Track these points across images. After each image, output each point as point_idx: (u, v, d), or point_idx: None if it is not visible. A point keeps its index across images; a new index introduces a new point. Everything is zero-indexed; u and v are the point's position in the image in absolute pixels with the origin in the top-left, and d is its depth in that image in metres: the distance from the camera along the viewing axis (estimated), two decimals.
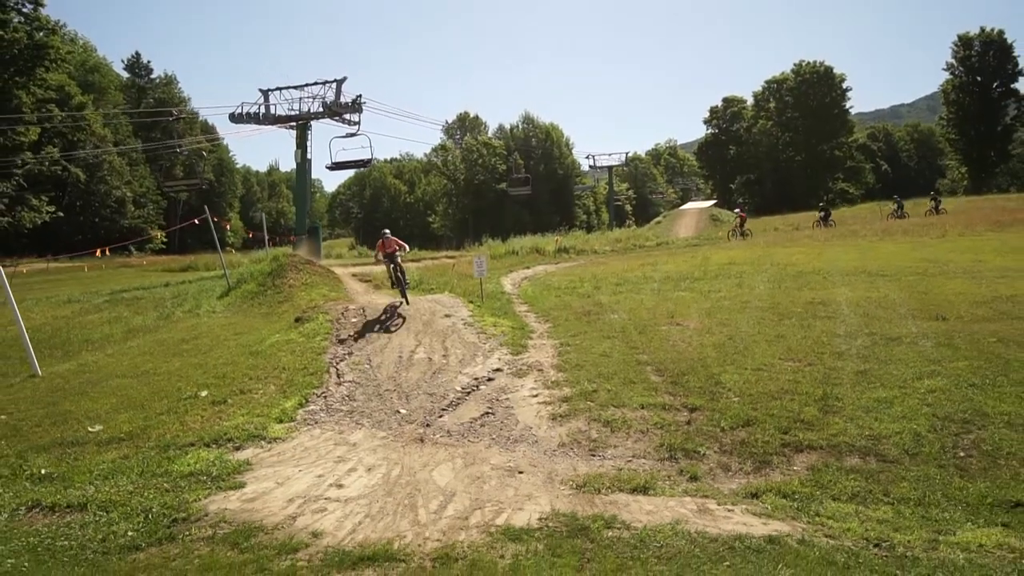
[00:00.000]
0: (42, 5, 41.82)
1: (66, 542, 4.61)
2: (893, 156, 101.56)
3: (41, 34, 41.94)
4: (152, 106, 68.61)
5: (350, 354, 10.88)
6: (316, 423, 8.10)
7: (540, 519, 5.00)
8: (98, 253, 25.68)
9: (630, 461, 6.62)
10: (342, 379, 9.74)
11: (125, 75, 72.35)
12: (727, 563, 4.08)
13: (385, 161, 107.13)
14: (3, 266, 40.08)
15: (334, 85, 28.01)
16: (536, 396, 8.68)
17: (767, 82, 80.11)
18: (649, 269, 20.28)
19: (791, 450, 6.65)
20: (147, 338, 14.02)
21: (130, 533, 4.76)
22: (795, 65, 77.56)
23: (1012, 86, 69.55)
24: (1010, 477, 5.75)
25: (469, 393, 9.06)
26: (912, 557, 4.22)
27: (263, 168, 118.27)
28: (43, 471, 6.61)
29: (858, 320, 11.33)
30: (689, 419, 7.61)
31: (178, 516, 5.10)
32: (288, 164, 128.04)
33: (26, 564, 4.20)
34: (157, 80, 73.97)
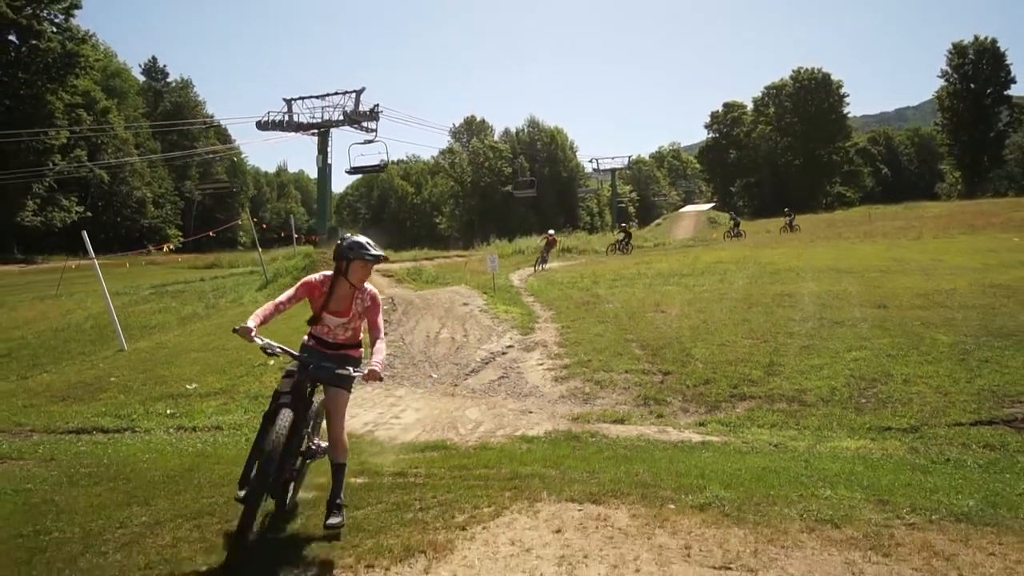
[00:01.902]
0: (73, 16, 44.16)
1: (225, 440, 6.73)
2: (894, 160, 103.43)
3: (72, 43, 44.28)
4: (169, 109, 71.11)
5: (385, 334, 12.96)
6: (366, 383, 10.21)
7: (545, 433, 7.11)
8: (166, 248, 27.96)
9: (614, 406, 8.70)
10: None
11: (142, 79, 74.85)
12: (668, 452, 6.15)
13: (392, 163, 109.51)
14: (37, 263, 41.98)
15: (353, 95, 30.18)
16: (542, 364, 10.77)
17: (766, 88, 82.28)
18: (644, 267, 22.35)
19: (736, 399, 8.73)
20: (204, 323, 16.15)
21: None
22: (794, 71, 79.64)
23: (1005, 93, 71.66)
24: (891, 413, 7.81)
25: (487, 363, 11.15)
26: (793, 449, 6.29)
27: (271, 169, 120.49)
28: (168, 411, 8.72)
29: (814, 308, 13.39)
30: (662, 380, 9.70)
31: None
32: (296, 166, 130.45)
33: (207, 450, 6.30)
34: (173, 84, 76.42)
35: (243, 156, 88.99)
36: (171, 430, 7.62)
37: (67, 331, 17.48)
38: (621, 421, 7.85)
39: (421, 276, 20.82)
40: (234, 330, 3.90)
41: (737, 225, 39.84)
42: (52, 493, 4.16)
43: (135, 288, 24.71)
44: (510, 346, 12.00)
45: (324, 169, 30.82)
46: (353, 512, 3.79)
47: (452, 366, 11.05)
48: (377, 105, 30.13)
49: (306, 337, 4.49)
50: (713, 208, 65.42)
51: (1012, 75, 71.19)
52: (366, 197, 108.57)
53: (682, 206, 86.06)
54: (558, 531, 3.51)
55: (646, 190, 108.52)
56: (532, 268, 25.51)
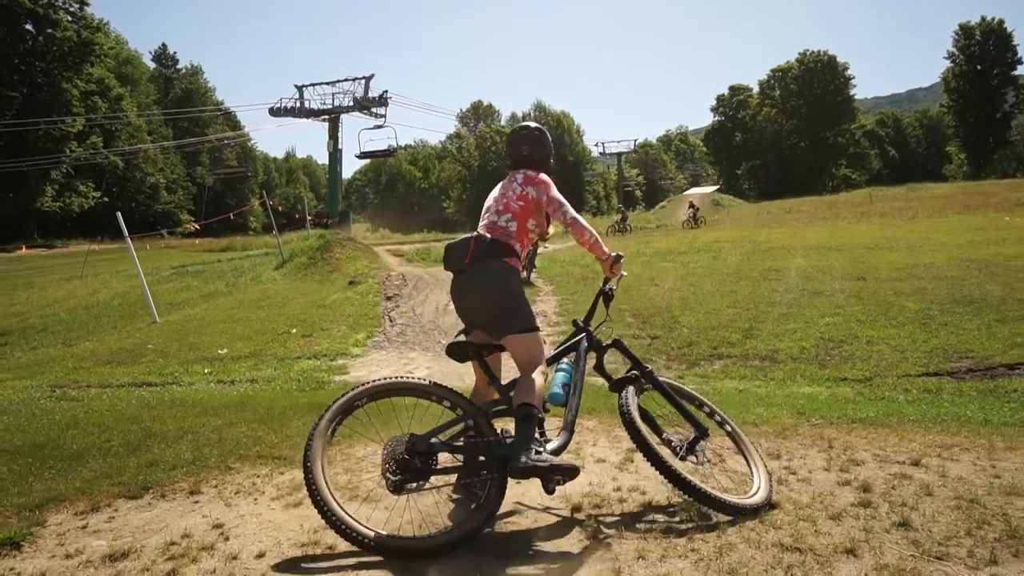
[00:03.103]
0: (87, 4, 45.11)
1: (262, 389, 7.76)
2: (901, 142, 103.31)
3: (87, 32, 45.33)
4: (179, 95, 72.13)
5: (397, 306, 14.00)
6: (382, 348, 11.23)
7: None
8: (191, 228, 29.15)
9: (606, 365, 9.67)
10: (395, 322, 12.86)
11: (152, 66, 75.80)
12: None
13: (400, 148, 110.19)
14: (57, 247, 42.94)
15: (363, 82, 31.06)
16: (542, 331, 11.76)
17: (772, 71, 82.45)
18: (643, 246, 23.28)
19: (715, 358, 9.70)
20: (227, 299, 17.19)
21: (294, 387, 7.88)
22: (800, 54, 79.81)
23: (1011, 74, 71.78)
24: (849, 368, 8.76)
25: None
26: (754, 393, 7.26)
27: (280, 155, 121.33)
28: (206, 371, 9.75)
29: (798, 281, 14.32)
30: (650, 342, 10.67)
31: (319, 382, 8.23)
32: (303, 152, 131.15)
33: (250, 392, 7.32)
34: (183, 71, 77.35)
35: (253, 143, 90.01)
36: (213, 384, 8.63)
37: (96, 308, 18.56)
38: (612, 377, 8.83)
39: (430, 255, 21.82)
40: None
41: (624, 219, 37.78)
42: (138, 411, 5.17)
43: (156, 269, 25.79)
44: None
45: (335, 154, 31.78)
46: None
47: None
48: (386, 91, 31.08)
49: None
50: (718, 191, 66.12)
51: (1018, 56, 71.28)
52: (374, 182, 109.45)
53: (688, 189, 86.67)
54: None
55: (653, 173, 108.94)
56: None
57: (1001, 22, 71.63)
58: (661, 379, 3.68)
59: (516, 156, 3.64)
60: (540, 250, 26.71)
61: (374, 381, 3.13)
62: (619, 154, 75.16)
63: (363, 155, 32.81)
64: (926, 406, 5.80)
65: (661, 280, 15.47)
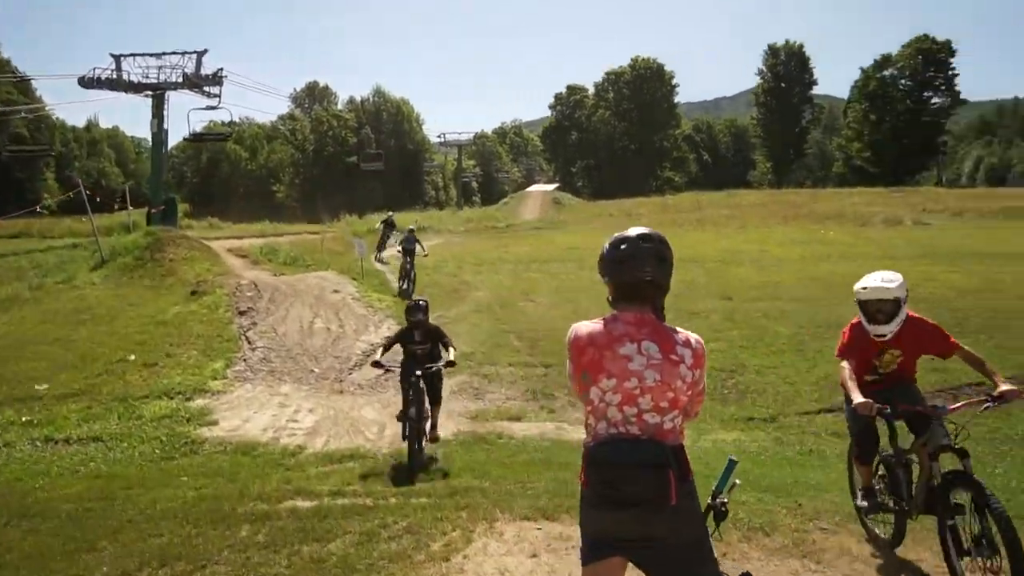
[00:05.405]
0: None
1: (116, 456, 6.26)
2: (713, 147, 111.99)
3: None
4: None
5: (255, 324, 12.44)
6: (246, 380, 9.82)
7: (453, 435, 7.32)
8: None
9: (506, 401, 9.07)
10: (255, 345, 11.38)
11: None
12: (573, 451, 6.61)
13: (224, 124, 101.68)
14: None
15: (194, 56, 27.86)
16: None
17: (607, 73, 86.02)
18: (503, 251, 22.93)
19: None
20: (33, 309, 14.48)
21: (157, 451, 6.47)
22: (632, 60, 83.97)
23: (808, 93, 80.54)
24: (751, 403, 8.84)
25: (369, 355, 11.03)
26: None
27: (79, 123, 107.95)
28: (24, 419, 7.90)
29: (670, 299, 14.50)
30: (545, 372, 10.19)
31: (187, 440, 6.84)
32: (109, 120, 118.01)
33: (103, 467, 5.84)
34: None
35: (48, 109, 79.25)
36: (38, 443, 6.95)
37: None
38: (518, 419, 8.23)
39: (278, 256, 19.98)
40: None
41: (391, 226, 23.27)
42: None
43: None
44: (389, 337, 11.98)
45: (159, 134, 28.19)
46: (327, 545, 3.77)
47: (333, 359, 10.88)
48: (221, 69, 28.02)
49: None
50: (557, 189, 67.92)
51: (815, 77, 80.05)
52: (194, 159, 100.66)
53: (524, 184, 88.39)
54: (534, 556, 3.72)
55: (489, 166, 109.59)
56: (376, 253, 20.51)
57: (801, 46, 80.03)
58: None
59: (632, 279, 2.32)
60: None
61: None
62: (459, 145, 74.62)
63: (194, 138, 29.64)
64: None
65: (535, 294, 15.13)
